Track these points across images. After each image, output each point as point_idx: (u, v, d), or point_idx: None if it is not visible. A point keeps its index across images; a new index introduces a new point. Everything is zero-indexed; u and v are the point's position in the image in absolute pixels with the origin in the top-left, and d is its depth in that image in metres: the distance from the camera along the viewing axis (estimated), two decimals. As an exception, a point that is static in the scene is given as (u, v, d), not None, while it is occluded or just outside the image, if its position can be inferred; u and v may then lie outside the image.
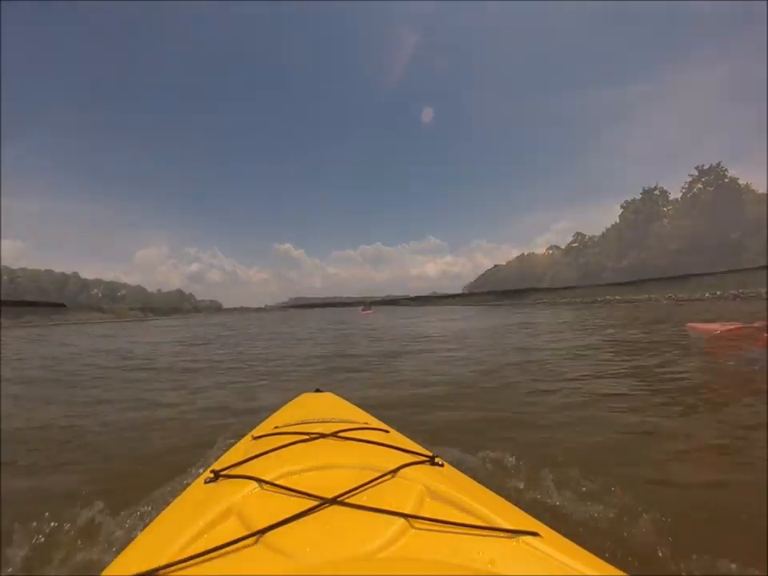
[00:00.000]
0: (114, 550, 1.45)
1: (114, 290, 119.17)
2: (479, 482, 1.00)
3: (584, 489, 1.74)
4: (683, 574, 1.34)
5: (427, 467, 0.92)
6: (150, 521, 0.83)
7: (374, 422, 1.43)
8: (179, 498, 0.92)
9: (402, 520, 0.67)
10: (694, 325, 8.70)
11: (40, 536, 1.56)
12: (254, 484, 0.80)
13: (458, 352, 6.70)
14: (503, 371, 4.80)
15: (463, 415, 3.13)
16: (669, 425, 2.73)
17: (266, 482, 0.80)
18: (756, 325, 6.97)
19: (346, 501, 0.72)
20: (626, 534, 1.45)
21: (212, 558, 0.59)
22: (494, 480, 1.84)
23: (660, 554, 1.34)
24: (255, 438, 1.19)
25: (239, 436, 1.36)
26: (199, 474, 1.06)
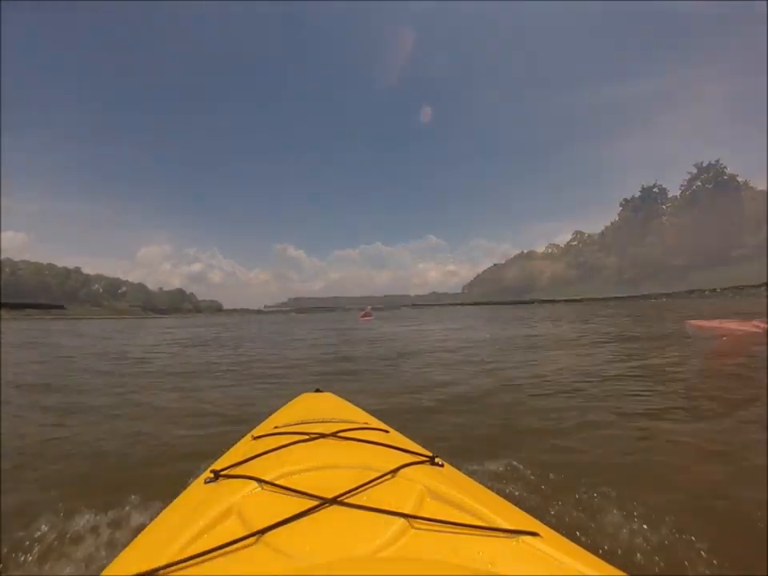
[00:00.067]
0: (114, 549, 1.44)
1: (116, 286, 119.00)
2: (479, 482, 1.00)
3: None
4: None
5: (427, 467, 0.92)
6: (150, 521, 0.83)
7: (374, 422, 1.43)
8: (179, 498, 0.92)
9: (401, 520, 0.67)
10: (693, 322, 8.71)
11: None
12: (254, 484, 0.80)
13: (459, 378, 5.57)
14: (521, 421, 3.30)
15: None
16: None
17: (266, 482, 0.80)
18: (754, 322, 7.00)
19: (346, 501, 0.72)
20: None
21: (212, 558, 0.59)
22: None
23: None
24: (255, 438, 1.19)
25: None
26: (199, 475, 1.05)
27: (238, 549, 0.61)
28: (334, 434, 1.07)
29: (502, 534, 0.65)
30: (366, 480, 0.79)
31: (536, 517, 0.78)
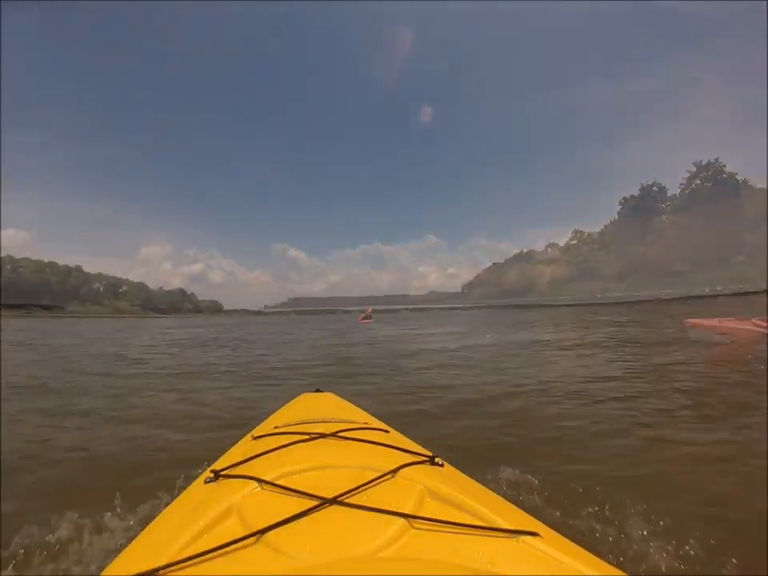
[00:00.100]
0: (115, 549, 1.44)
1: (116, 285, 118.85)
2: (479, 482, 1.00)
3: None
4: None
5: (427, 467, 0.92)
6: (150, 521, 0.82)
7: (374, 422, 1.43)
8: (179, 497, 0.92)
9: (401, 520, 0.67)
10: (693, 321, 8.72)
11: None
12: (254, 484, 0.80)
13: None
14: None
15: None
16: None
17: (266, 482, 0.80)
18: (753, 320, 7.00)
19: (346, 501, 0.72)
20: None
21: (212, 558, 0.59)
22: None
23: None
24: (255, 438, 1.19)
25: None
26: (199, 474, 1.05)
27: (237, 549, 0.61)
28: (334, 434, 1.07)
29: (502, 534, 0.65)
30: (366, 480, 0.79)
31: (536, 517, 0.79)
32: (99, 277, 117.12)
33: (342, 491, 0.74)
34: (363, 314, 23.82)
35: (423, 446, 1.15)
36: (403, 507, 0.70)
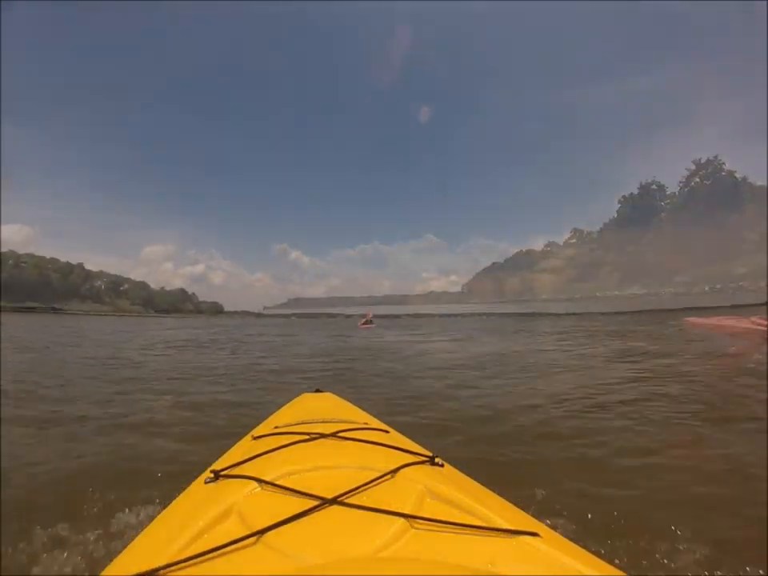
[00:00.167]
0: (114, 549, 1.42)
1: (118, 283, 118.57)
2: (479, 482, 1.00)
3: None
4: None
5: (427, 467, 0.92)
6: (150, 521, 0.83)
7: (374, 422, 1.43)
8: (179, 498, 0.92)
9: (401, 520, 0.67)
10: (693, 320, 8.72)
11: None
12: (254, 484, 0.80)
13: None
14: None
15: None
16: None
17: (266, 482, 0.80)
18: (752, 318, 7.01)
19: (346, 501, 0.72)
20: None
21: (212, 558, 0.59)
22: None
23: None
24: (255, 438, 1.19)
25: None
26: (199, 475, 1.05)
27: (237, 549, 0.60)
28: (334, 434, 1.07)
29: (501, 534, 0.65)
30: (366, 480, 0.79)
31: (536, 517, 0.79)
32: (101, 275, 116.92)
33: (342, 491, 0.74)
34: (364, 319, 23.52)
35: (423, 447, 1.15)
36: (403, 507, 0.70)
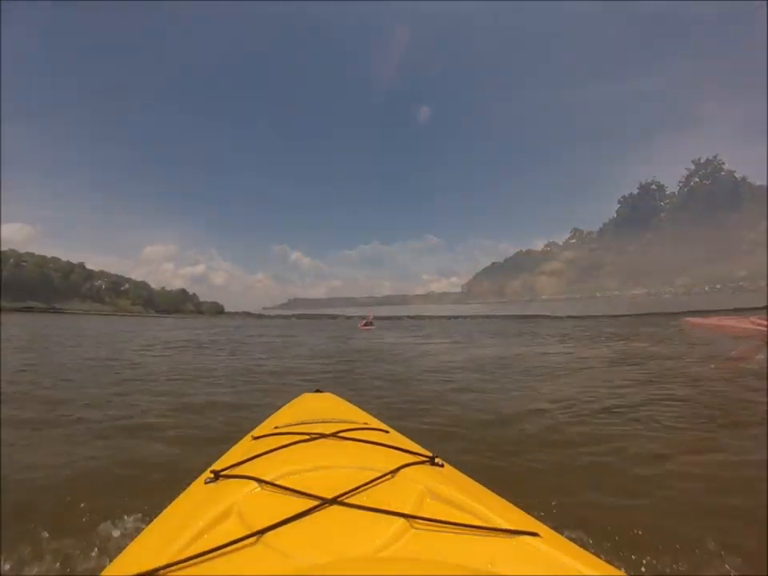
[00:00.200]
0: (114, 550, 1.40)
1: (118, 283, 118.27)
2: (479, 482, 1.00)
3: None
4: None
5: (427, 467, 0.92)
6: (150, 521, 0.82)
7: (374, 423, 1.43)
8: (179, 498, 0.92)
9: (401, 520, 0.67)
10: (692, 320, 8.72)
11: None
12: (254, 484, 0.80)
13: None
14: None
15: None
16: None
17: (266, 482, 0.80)
18: (751, 318, 7.01)
19: (346, 501, 0.72)
20: None
21: (212, 558, 0.59)
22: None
23: None
24: (255, 438, 1.19)
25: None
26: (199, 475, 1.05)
27: (237, 549, 0.60)
28: (334, 434, 1.07)
29: (501, 534, 0.65)
30: (366, 480, 0.79)
31: (536, 517, 0.78)
32: (101, 274, 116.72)
33: (342, 491, 0.74)
34: (364, 321, 23.43)
35: (423, 447, 1.15)
36: (403, 507, 0.70)
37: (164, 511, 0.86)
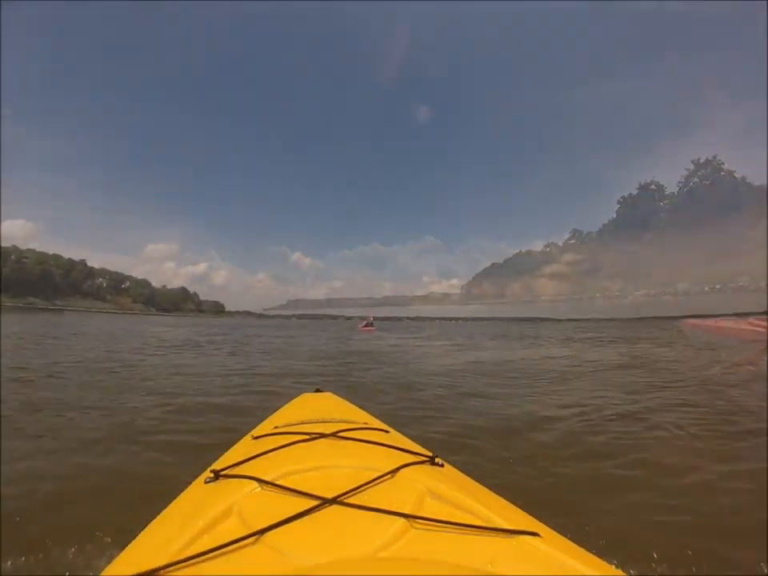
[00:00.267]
0: (114, 550, 1.38)
1: (119, 281, 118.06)
2: (479, 482, 1.00)
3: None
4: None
5: (427, 467, 0.92)
6: (150, 521, 0.82)
7: (374, 422, 1.43)
8: (179, 497, 0.92)
9: (402, 520, 0.67)
10: (691, 321, 8.70)
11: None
12: (254, 484, 0.80)
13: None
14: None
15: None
16: None
17: (266, 482, 0.80)
18: (750, 320, 7.01)
19: (346, 501, 0.72)
20: None
21: (212, 558, 0.58)
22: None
23: None
24: (255, 438, 1.19)
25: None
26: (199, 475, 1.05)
27: (237, 549, 0.60)
28: (334, 434, 1.06)
29: (501, 534, 0.65)
30: (366, 480, 0.79)
31: (536, 517, 0.78)
32: (103, 272, 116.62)
33: (342, 491, 0.74)
34: (365, 322, 23.11)
35: (423, 447, 1.15)
36: (403, 507, 0.70)
37: (164, 511, 0.86)
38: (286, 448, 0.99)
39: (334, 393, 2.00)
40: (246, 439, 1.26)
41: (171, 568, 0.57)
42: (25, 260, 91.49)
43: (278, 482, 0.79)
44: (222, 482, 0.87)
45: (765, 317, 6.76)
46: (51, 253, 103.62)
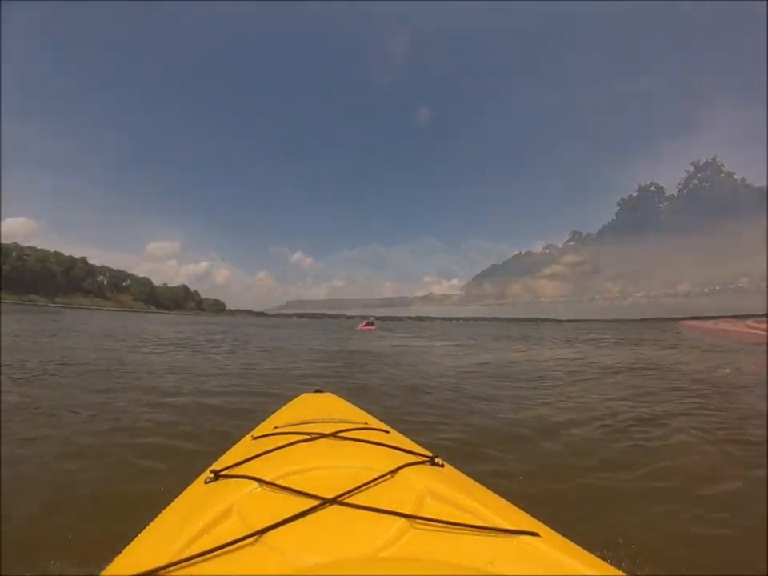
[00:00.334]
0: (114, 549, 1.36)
1: (120, 278, 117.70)
2: (479, 482, 1.00)
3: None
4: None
5: (427, 467, 0.92)
6: (150, 521, 0.82)
7: (374, 423, 1.43)
8: (179, 497, 0.92)
9: (402, 520, 0.67)
10: (689, 323, 8.71)
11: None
12: (254, 484, 0.80)
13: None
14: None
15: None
16: None
17: (266, 482, 0.79)
18: (748, 322, 7.01)
19: (346, 501, 0.72)
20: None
21: (212, 558, 0.58)
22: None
23: None
24: (255, 438, 1.19)
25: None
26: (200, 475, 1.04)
27: (237, 549, 0.60)
28: (334, 434, 1.06)
29: (501, 534, 0.65)
30: (366, 480, 0.79)
31: (536, 517, 0.78)
32: (103, 269, 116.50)
33: (342, 491, 0.74)
34: (365, 321, 23.32)
35: (423, 447, 1.15)
36: (403, 507, 0.70)
37: (164, 511, 0.86)
38: (286, 448, 0.99)
39: (333, 392, 2.00)
40: (246, 439, 1.25)
41: (171, 568, 0.57)
42: (26, 257, 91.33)
43: (278, 482, 0.79)
44: (221, 482, 0.87)
45: (764, 318, 6.77)
46: (52, 250, 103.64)
